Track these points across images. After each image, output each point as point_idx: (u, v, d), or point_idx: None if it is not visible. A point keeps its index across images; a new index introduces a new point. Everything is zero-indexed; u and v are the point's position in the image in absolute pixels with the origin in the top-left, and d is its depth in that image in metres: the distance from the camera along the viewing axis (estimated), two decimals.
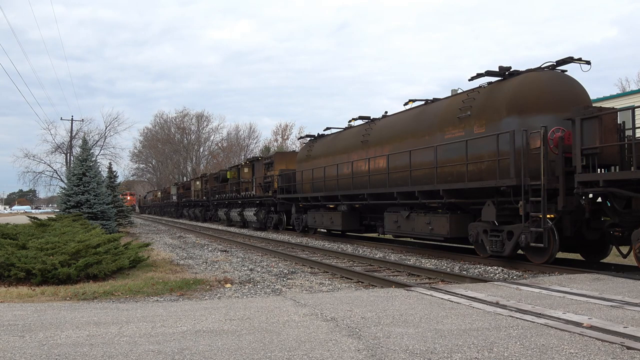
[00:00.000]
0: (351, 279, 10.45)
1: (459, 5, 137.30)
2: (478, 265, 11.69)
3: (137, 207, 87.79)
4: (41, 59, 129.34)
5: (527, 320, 5.38)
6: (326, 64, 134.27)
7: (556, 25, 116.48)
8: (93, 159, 23.77)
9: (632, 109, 9.61)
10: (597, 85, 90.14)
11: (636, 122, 10.08)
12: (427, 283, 9.68)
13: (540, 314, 5.71)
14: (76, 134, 50.81)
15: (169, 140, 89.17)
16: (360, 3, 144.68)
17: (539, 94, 11.23)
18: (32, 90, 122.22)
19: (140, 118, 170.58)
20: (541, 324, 5.23)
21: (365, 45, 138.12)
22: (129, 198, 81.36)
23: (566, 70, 11.86)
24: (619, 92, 37.16)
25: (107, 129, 56.37)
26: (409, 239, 17.80)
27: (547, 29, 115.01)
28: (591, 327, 5.03)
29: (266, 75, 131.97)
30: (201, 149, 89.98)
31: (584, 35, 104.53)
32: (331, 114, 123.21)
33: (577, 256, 12.15)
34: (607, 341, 4.52)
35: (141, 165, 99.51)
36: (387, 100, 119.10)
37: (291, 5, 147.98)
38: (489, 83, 12.59)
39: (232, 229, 30.35)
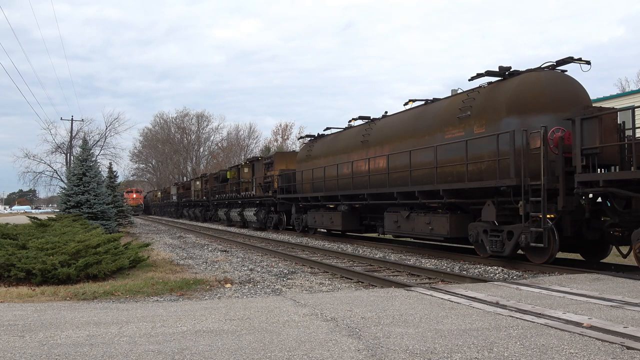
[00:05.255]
0: (351, 279, 10.45)
1: (465, 4, 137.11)
2: (478, 265, 11.69)
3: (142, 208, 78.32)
4: (46, 59, 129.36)
5: (527, 320, 5.38)
6: (331, 64, 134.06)
7: (563, 24, 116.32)
8: (93, 159, 23.77)
9: (632, 109, 9.60)
10: (602, 85, 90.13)
11: (636, 122, 10.09)
12: (427, 283, 9.68)
13: (540, 314, 5.70)
14: (76, 134, 50.90)
15: (169, 140, 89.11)
16: (367, 2, 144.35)
17: (539, 94, 11.23)
18: (35, 90, 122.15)
19: (143, 118, 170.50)
20: (541, 324, 5.22)
21: (371, 44, 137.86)
22: (134, 196, 74.12)
23: (566, 70, 11.87)
24: (619, 92, 37.18)
25: (108, 129, 56.48)
26: (409, 239, 17.79)
27: (554, 28, 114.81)
28: (591, 327, 5.03)
29: (270, 74, 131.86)
30: (201, 149, 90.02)
31: (591, 35, 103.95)
32: (334, 114, 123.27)
33: (577, 256, 12.15)
34: (607, 341, 4.52)
35: (141, 165, 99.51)
36: (391, 100, 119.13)
37: (298, 5, 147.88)
38: (489, 83, 12.59)
39: (232, 229, 30.35)
